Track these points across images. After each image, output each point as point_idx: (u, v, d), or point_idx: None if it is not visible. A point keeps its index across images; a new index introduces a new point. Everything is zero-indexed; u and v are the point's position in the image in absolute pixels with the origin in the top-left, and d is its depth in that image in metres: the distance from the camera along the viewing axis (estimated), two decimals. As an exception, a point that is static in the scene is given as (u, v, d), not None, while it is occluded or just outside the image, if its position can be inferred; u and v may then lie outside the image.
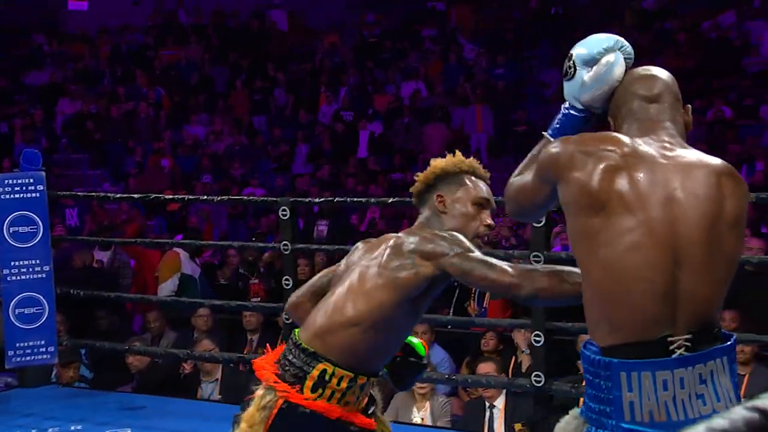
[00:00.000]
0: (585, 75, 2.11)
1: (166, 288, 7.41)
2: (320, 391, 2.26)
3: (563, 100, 2.21)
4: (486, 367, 4.96)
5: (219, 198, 5.78)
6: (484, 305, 6.45)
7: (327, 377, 2.26)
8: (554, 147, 1.99)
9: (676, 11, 13.35)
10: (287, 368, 2.31)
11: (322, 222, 9.15)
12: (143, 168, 11.81)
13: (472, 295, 6.47)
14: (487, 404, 5.01)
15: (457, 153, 2.51)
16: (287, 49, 14.14)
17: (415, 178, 2.49)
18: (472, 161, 2.49)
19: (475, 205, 2.42)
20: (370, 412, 2.41)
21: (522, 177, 2.12)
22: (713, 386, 1.83)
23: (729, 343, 1.86)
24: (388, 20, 14.80)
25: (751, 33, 12.25)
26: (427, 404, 5.18)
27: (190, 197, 6.93)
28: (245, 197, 6.41)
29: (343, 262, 2.46)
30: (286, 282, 4.65)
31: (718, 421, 0.66)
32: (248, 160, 11.97)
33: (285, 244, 4.59)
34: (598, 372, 1.85)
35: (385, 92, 12.95)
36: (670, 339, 1.81)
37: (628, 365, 1.81)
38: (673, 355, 1.81)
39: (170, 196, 7.58)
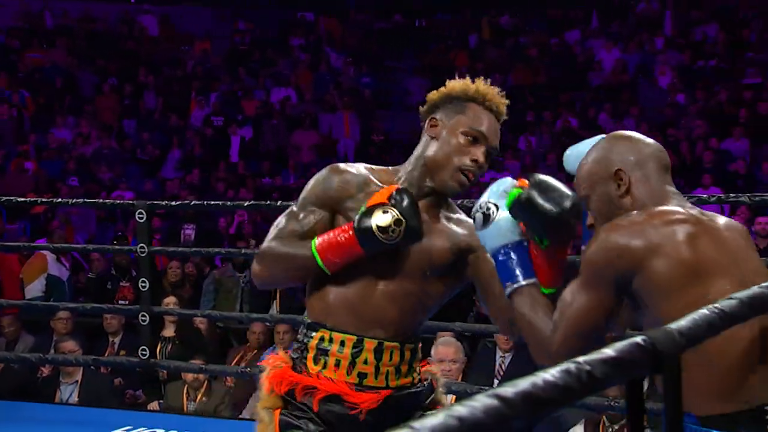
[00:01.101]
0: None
1: (34, 289, 7.22)
2: (323, 361, 2.03)
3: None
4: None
5: (74, 201, 5.58)
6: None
7: (326, 344, 2.04)
8: (611, 242, 1.71)
9: (527, 28, 13.78)
10: (293, 344, 2.16)
11: (188, 226, 9.03)
12: (5, 171, 11.33)
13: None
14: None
15: (477, 80, 2.11)
16: (158, 55, 13.86)
17: (427, 95, 2.16)
18: (487, 88, 2.08)
19: (467, 136, 2.03)
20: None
21: (566, 310, 1.75)
22: None
23: None
24: (258, 29, 14.72)
25: (593, 50, 12.77)
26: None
27: (44, 200, 6.72)
28: (100, 200, 6.25)
29: None
30: (143, 284, 4.55)
31: (458, 408, 0.68)
32: (117, 163, 11.66)
33: (142, 247, 4.50)
34: None
35: (256, 98, 12.86)
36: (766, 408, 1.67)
37: None
38: None
39: (31, 199, 7.31)
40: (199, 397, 5.44)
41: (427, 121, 2.10)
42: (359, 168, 2.10)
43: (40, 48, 13.71)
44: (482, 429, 0.69)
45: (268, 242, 2.07)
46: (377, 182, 2.06)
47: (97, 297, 6.83)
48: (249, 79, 13.28)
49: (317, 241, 1.98)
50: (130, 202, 5.08)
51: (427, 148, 2.08)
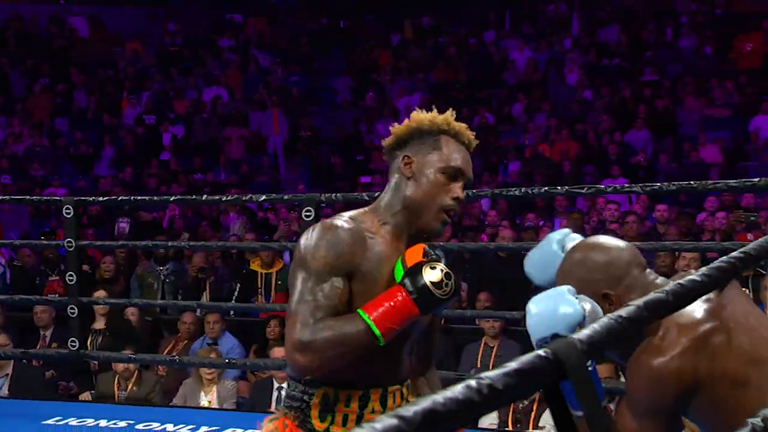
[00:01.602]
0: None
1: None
2: (329, 417, 1.89)
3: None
4: (280, 352, 4.96)
5: (1, 198, 5.49)
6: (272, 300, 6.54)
7: (331, 401, 1.89)
8: (662, 369, 1.63)
9: (447, 29, 13.86)
10: (287, 403, 1.93)
11: (123, 219, 8.90)
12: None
13: (259, 289, 6.55)
14: (276, 384, 5.04)
15: (444, 115, 1.95)
16: (89, 55, 13.58)
17: (391, 129, 1.98)
18: (457, 123, 1.94)
19: (444, 173, 1.90)
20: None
21: None
22: None
23: None
24: (189, 30, 14.52)
25: (507, 50, 12.91)
26: (215, 388, 5.16)
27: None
28: (28, 197, 6.10)
29: None
30: (70, 278, 4.48)
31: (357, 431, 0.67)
32: (49, 161, 11.42)
33: (69, 242, 4.43)
34: None
35: (187, 97, 12.71)
36: None
37: None
38: None
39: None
40: (129, 387, 5.38)
41: (400, 159, 1.93)
42: (348, 222, 1.88)
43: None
44: None
45: (305, 329, 1.77)
46: (369, 233, 1.89)
47: (27, 291, 6.69)
48: (180, 79, 13.11)
49: (367, 312, 1.78)
50: (57, 198, 4.97)
51: (405, 188, 1.92)
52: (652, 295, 1.23)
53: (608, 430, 0.93)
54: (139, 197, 5.88)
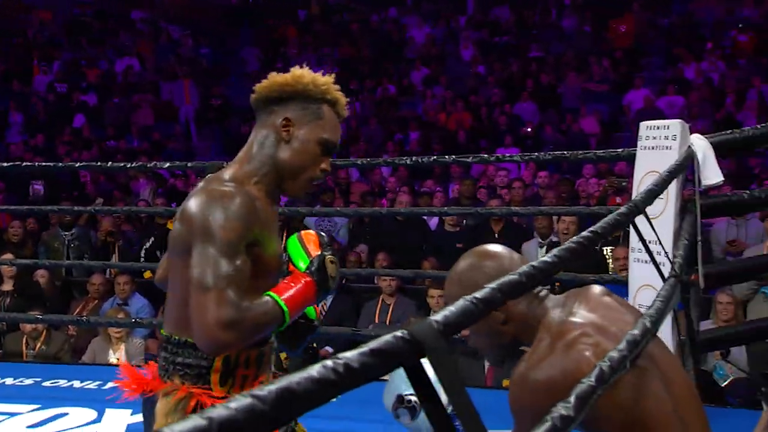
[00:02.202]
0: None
1: None
2: (230, 381, 1.75)
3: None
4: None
5: None
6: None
7: (232, 364, 1.75)
8: (533, 380, 1.54)
9: (351, 5, 13.74)
10: (180, 371, 1.74)
11: (37, 182, 8.58)
12: None
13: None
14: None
15: (327, 78, 1.80)
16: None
17: (270, 76, 1.79)
18: (337, 92, 1.80)
19: (321, 145, 1.76)
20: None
21: None
22: None
23: None
24: (100, 2, 13.98)
25: (408, 26, 12.90)
26: (123, 346, 5.06)
27: None
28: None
29: None
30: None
31: (214, 410, 0.62)
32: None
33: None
34: None
35: (99, 67, 12.27)
36: None
37: None
38: None
39: None
40: (38, 346, 5.23)
41: (278, 119, 1.75)
42: (239, 189, 1.71)
43: None
44: (237, 427, 0.63)
45: (229, 307, 1.60)
46: (254, 197, 1.73)
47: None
48: (91, 49, 12.64)
49: (283, 299, 1.68)
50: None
51: (279, 149, 1.76)
52: (506, 278, 1.20)
53: (470, 405, 0.90)
54: (37, 164, 5.63)
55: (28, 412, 3.97)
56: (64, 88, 11.68)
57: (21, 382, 4.43)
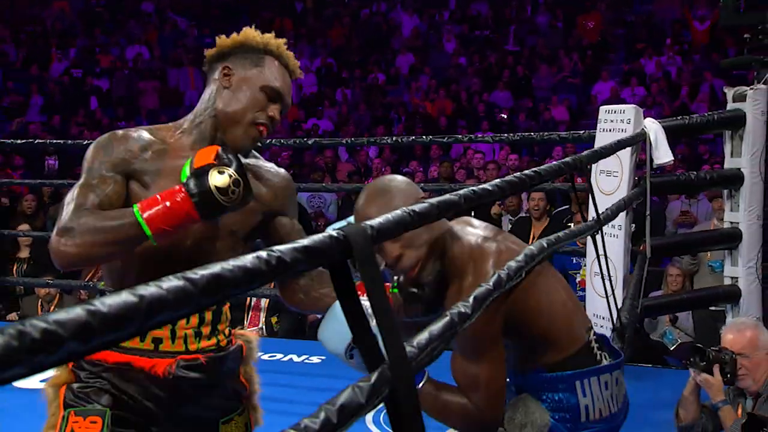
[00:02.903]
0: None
1: None
2: None
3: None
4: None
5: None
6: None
7: None
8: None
9: (342, 0, 13.64)
10: None
11: (51, 158, 8.54)
12: None
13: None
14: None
15: (269, 35, 1.64)
16: (17, 12, 12.77)
17: (217, 39, 1.64)
18: (284, 47, 1.63)
19: (264, 91, 1.59)
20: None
21: (478, 383, 1.57)
22: None
23: None
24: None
25: (395, 19, 12.81)
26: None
27: None
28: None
29: None
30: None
31: (143, 288, 0.58)
32: (-18, 109, 10.80)
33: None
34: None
35: (111, 54, 12.14)
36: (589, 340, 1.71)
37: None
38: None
39: None
40: (51, 309, 5.22)
41: (218, 69, 1.60)
42: (139, 130, 1.60)
43: None
44: (164, 304, 0.58)
45: (71, 216, 1.48)
46: (160, 141, 1.59)
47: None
48: (104, 38, 12.51)
49: (141, 208, 1.43)
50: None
51: (218, 98, 1.58)
52: (446, 197, 1.15)
53: (387, 305, 0.86)
54: (35, 140, 5.56)
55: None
56: (79, 74, 11.57)
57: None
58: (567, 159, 1.96)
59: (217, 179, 1.43)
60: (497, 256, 1.61)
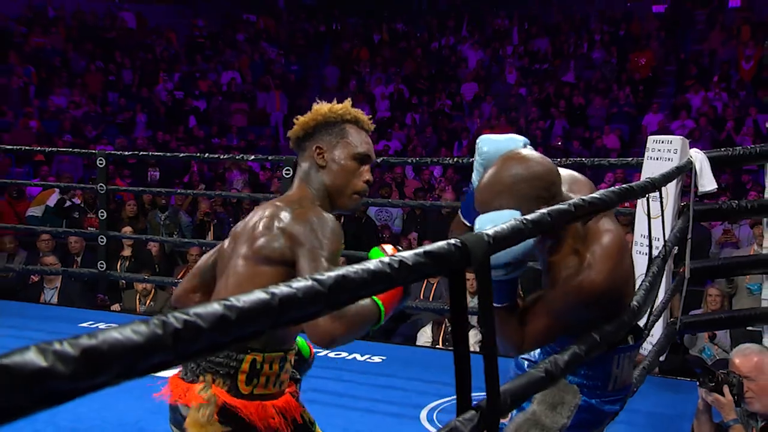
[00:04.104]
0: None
1: (32, 213, 7.03)
2: (255, 381, 1.58)
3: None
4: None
5: (58, 150, 5.41)
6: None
7: (258, 366, 1.58)
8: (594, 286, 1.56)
9: (416, 33, 13.70)
10: (211, 369, 1.56)
11: (153, 169, 8.84)
12: (14, 128, 10.82)
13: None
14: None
15: (343, 104, 1.68)
16: (133, 42, 13.32)
17: (295, 121, 1.69)
18: (355, 111, 1.68)
19: (355, 160, 1.64)
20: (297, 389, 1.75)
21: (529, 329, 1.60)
22: None
23: None
24: (212, 25, 14.27)
25: (462, 52, 12.80)
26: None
27: (38, 149, 6.51)
28: (75, 150, 6.01)
29: (227, 241, 1.68)
30: (101, 214, 4.46)
31: (279, 287, 0.58)
32: (100, 124, 11.26)
33: (101, 186, 4.39)
34: None
35: (209, 79, 12.52)
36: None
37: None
38: None
39: (35, 149, 7.08)
40: (148, 302, 5.39)
41: (312, 150, 1.64)
42: (327, 212, 1.61)
43: (43, 34, 13.01)
44: (296, 304, 0.58)
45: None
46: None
47: (72, 225, 6.63)
48: (203, 64, 12.91)
49: (380, 298, 1.51)
50: (93, 151, 4.92)
51: (321, 175, 1.63)
52: (557, 206, 1.13)
53: (491, 317, 0.84)
54: (139, 152, 5.78)
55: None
56: (180, 95, 11.96)
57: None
58: (648, 179, 1.92)
59: None
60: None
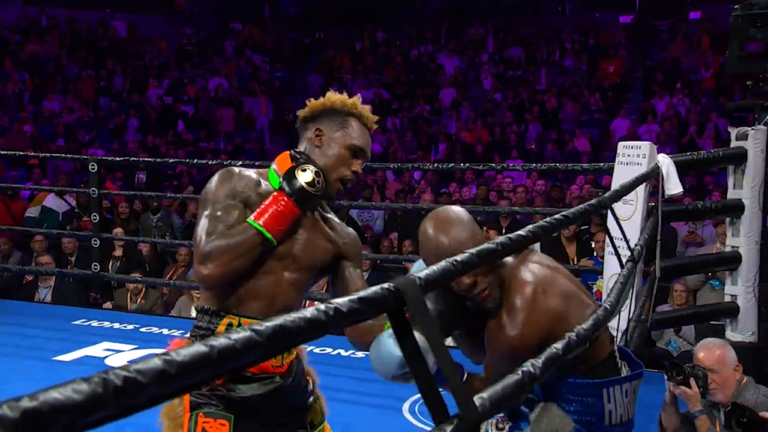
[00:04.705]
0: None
1: (29, 214, 6.95)
2: None
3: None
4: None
5: (51, 155, 5.32)
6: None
7: (234, 328, 1.50)
8: (518, 336, 1.56)
9: (396, 41, 13.69)
10: (194, 333, 1.61)
11: (141, 172, 8.73)
12: (9, 132, 10.65)
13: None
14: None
15: (354, 98, 1.69)
16: (125, 50, 13.17)
17: (307, 102, 1.69)
18: (363, 107, 1.68)
19: (349, 150, 1.64)
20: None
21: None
22: None
23: None
24: (200, 33, 14.15)
25: (440, 59, 12.80)
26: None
27: (32, 154, 6.40)
28: (67, 155, 5.94)
29: None
30: (94, 217, 4.39)
31: (214, 339, 0.58)
32: (93, 129, 11.12)
33: (93, 190, 4.32)
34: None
35: (197, 85, 12.41)
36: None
37: None
38: None
39: (29, 153, 6.97)
40: (138, 300, 5.32)
41: (312, 131, 1.64)
42: (249, 170, 1.64)
43: (37, 42, 12.82)
44: (235, 355, 0.58)
45: (205, 244, 1.48)
46: (266, 181, 1.62)
47: (66, 227, 6.53)
48: (192, 71, 12.79)
49: (255, 218, 1.51)
50: (85, 157, 4.85)
51: (315, 156, 1.63)
52: (484, 246, 1.14)
53: (441, 343, 0.84)
54: (129, 158, 5.72)
55: (129, 350, 4.09)
56: (170, 101, 11.84)
57: (124, 327, 4.54)
58: (592, 202, 1.89)
59: (304, 176, 1.55)
60: (553, 297, 1.60)
